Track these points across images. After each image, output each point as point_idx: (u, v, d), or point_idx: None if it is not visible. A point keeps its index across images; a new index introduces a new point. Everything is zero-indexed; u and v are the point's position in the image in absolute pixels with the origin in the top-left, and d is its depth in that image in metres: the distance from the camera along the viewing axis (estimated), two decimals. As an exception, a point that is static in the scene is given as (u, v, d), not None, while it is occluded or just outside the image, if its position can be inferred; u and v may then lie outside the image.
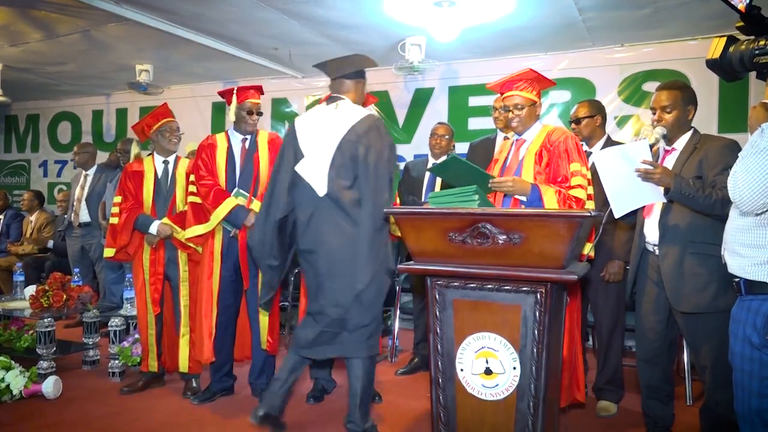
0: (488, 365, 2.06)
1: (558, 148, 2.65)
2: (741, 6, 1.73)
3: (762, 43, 1.74)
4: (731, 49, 1.83)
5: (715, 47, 1.87)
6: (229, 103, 3.43)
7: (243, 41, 5.13)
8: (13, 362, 3.53)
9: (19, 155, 8.51)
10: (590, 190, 2.70)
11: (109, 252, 3.63)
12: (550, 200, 2.54)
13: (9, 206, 7.03)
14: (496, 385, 2.05)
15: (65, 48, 5.45)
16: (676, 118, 2.62)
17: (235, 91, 3.42)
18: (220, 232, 3.38)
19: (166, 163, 3.66)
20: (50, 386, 3.47)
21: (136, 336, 3.84)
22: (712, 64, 1.88)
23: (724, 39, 1.85)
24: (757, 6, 1.76)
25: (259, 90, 3.52)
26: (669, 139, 2.66)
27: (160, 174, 3.64)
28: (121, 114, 7.57)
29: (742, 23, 1.79)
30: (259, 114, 3.49)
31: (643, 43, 4.85)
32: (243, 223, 3.29)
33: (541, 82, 2.78)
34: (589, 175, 2.68)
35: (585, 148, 3.38)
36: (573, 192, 2.58)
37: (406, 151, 5.60)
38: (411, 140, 5.84)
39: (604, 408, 3.29)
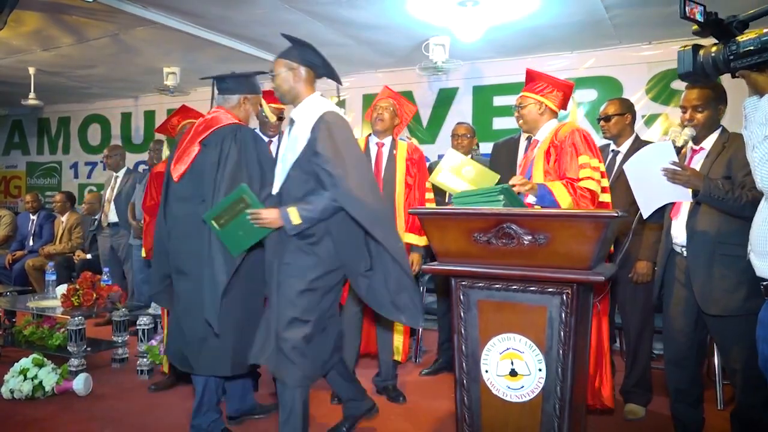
0: (513, 366, 2.04)
1: (564, 143, 2.67)
2: (697, 16, 1.77)
3: (733, 47, 1.75)
4: (701, 54, 1.83)
5: (684, 60, 1.87)
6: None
7: (268, 43, 5.18)
8: (45, 360, 3.62)
9: (51, 157, 8.71)
10: (605, 182, 2.70)
11: (143, 252, 3.75)
12: (560, 193, 2.54)
13: (42, 207, 7.19)
14: (522, 387, 2.03)
15: (95, 52, 5.56)
16: (707, 117, 2.57)
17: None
18: None
19: None
20: (81, 383, 3.55)
21: (163, 335, 3.91)
22: (685, 76, 1.89)
23: (689, 49, 1.85)
24: (713, 12, 1.78)
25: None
26: (697, 138, 2.61)
27: None
28: (149, 116, 7.70)
29: (697, 27, 1.80)
30: (281, 118, 3.51)
31: (672, 40, 4.77)
32: None
33: (545, 81, 2.82)
34: (602, 167, 2.68)
35: (613, 147, 3.35)
36: (583, 183, 2.58)
37: (431, 152, 5.60)
38: (435, 140, 5.83)
39: (631, 411, 3.24)
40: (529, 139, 3.70)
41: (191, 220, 2.65)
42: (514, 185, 2.48)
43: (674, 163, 2.36)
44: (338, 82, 2.69)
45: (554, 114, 2.84)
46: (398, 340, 3.52)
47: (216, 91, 2.88)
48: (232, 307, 2.64)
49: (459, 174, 2.80)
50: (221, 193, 2.55)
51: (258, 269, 2.72)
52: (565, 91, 2.83)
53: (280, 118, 3.50)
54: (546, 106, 2.80)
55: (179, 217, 2.72)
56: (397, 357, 3.56)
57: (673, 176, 2.36)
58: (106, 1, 4.06)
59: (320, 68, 2.62)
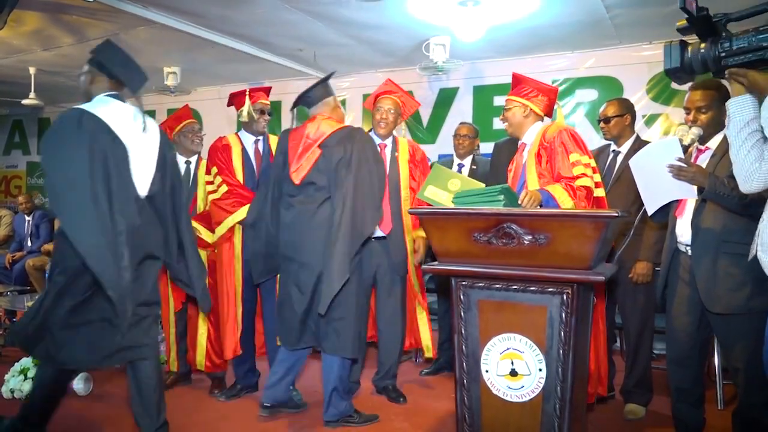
0: (513, 366, 2.04)
1: (553, 144, 2.70)
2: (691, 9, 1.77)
3: (725, 45, 1.75)
4: (689, 50, 1.84)
5: (671, 55, 1.89)
6: (241, 105, 3.49)
7: (268, 43, 5.17)
8: (45, 359, 3.61)
9: (51, 157, 8.68)
10: (597, 177, 2.72)
11: None
12: (561, 195, 2.55)
13: (36, 208, 7.15)
14: (522, 387, 2.03)
15: (95, 52, 5.56)
16: (711, 118, 2.56)
17: (248, 93, 3.48)
18: (240, 230, 3.42)
19: (188, 163, 3.71)
20: (81, 383, 3.55)
21: (163, 335, 3.90)
22: (672, 72, 1.89)
23: (677, 44, 1.85)
24: (704, 8, 1.78)
25: (268, 92, 3.61)
26: (702, 138, 2.60)
27: (182, 174, 3.64)
28: (149, 116, 7.64)
29: (684, 23, 1.80)
30: (270, 114, 3.56)
31: (672, 40, 4.75)
32: None
33: (531, 85, 2.87)
34: (593, 163, 2.71)
35: (613, 147, 3.35)
36: (579, 182, 2.60)
37: (431, 152, 5.57)
38: (435, 140, 5.83)
39: (632, 411, 3.24)
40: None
41: (315, 217, 2.93)
42: (521, 203, 2.47)
43: (680, 160, 2.36)
44: (131, 89, 2.78)
45: (539, 118, 2.89)
46: (426, 337, 3.54)
47: (307, 109, 3.18)
48: (357, 296, 2.96)
49: (445, 187, 2.86)
50: (350, 189, 2.82)
51: (366, 264, 3.21)
52: (550, 96, 2.88)
53: (270, 114, 3.54)
54: (531, 109, 2.85)
55: (302, 213, 2.97)
56: (428, 354, 3.60)
57: (678, 173, 2.36)
58: (106, 0, 4.06)
59: (111, 73, 2.70)
